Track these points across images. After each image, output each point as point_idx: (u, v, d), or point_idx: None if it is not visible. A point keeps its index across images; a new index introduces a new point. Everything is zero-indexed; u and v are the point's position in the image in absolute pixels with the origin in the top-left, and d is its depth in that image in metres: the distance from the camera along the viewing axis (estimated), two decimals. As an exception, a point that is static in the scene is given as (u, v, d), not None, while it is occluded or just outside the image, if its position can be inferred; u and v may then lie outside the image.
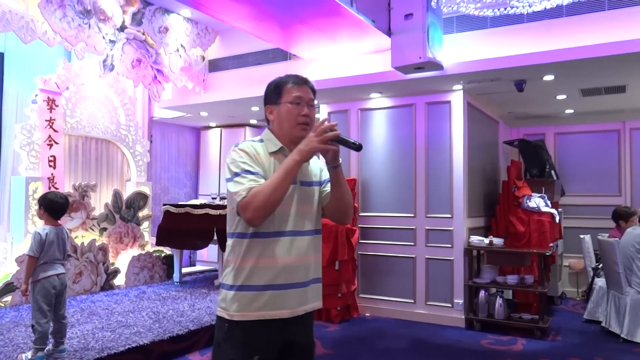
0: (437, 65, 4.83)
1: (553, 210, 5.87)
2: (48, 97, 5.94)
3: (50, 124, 5.96)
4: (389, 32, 4.91)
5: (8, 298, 5.29)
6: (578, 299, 6.81)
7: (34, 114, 5.90)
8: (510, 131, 7.67)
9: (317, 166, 2.01)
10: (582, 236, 6.10)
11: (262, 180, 1.77)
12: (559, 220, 6.07)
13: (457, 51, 5.14)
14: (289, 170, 1.74)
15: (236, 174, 1.79)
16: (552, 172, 6.69)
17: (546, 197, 6.02)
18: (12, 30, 5.06)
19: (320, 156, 1.95)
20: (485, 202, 6.32)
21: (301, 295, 1.87)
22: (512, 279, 5.28)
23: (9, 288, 5.27)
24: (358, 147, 1.84)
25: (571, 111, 6.70)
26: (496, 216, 6.19)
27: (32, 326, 3.58)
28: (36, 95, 5.92)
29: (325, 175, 2.00)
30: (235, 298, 1.80)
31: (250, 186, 1.74)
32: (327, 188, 1.98)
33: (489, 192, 6.46)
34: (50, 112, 5.96)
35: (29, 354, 3.56)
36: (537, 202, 5.92)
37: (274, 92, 1.91)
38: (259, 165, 1.82)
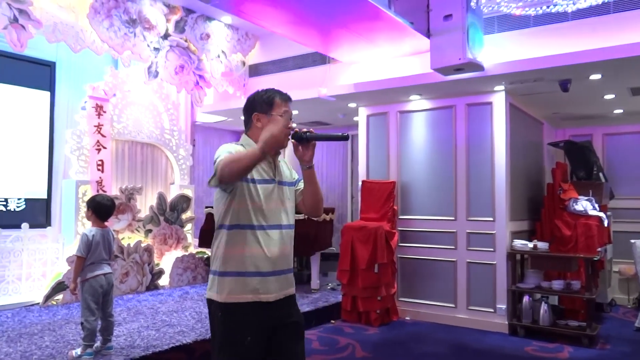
0: (477, 66, 4.76)
1: (601, 214, 5.67)
2: (96, 104, 6.17)
3: (99, 130, 6.19)
4: (428, 34, 4.88)
5: (60, 296, 5.52)
6: (629, 306, 6.53)
7: (83, 120, 6.14)
8: (555, 132, 7.46)
9: (287, 169, 2.29)
10: (632, 241, 5.84)
11: None
12: (608, 224, 5.85)
13: (498, 51, 5.05)
14: (252, 152, 1.94)
15: (219, 157, 2.00)
16: (600, 174, 6.46)
17: (594, 200, 5.82)
18: (63, 40, 5.30)
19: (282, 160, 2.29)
20: (529, 205, 6.16)
21: (281, 282, 2.12)
22: (557, 284, 5.13)
23: (60, 287, 5.50)
24: (344, 138, 2.14)
25: (620, 111, 6.45)
26: (541, 220, 6.02)
27: (81, 323, 3.73)
28: (85, 102, 6.16)
29: (296, 176, 2.32)
30: (227, 283, 2.02)
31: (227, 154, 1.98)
32: (300, 187, 2.28)
33: (533, 195, 6.30)
34: (99, 118, 6.20)
35: (79, 350, 3.71)
36: (584, 205, 5.73)
37: (266, 103, 2.16)
38: None
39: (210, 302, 2.09)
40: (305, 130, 2.14)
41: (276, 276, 2.09)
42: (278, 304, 2.09)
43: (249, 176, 2.04)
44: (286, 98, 2.21)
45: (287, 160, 2.37)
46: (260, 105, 2.16)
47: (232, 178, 1.95)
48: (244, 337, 2.00)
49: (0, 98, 5.88)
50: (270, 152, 1.99)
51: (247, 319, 2.02)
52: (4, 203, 5.89)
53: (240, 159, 1.92)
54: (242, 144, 2.14)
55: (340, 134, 2.14)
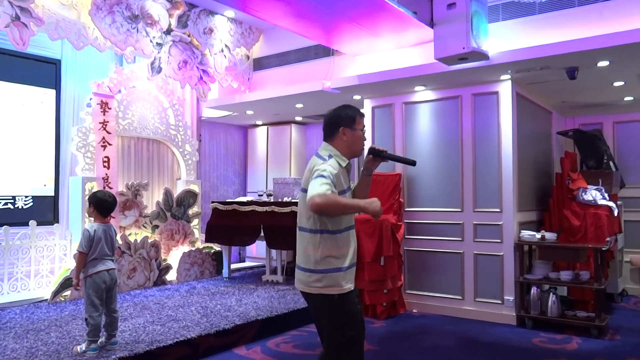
0: (482, 55, 4.69)
1: (611, 203, 5.58)
2: (101, 101, 6.19)
3: (104, 126, 6.21)
4: (431, 23, 4.80)
5: (67, 293, 5.57)
6: (641, 296, 6.45)
7: (88, 117, 6.17)
8: (564, 121, 7.35)
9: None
10: (643, 230, 5.77)
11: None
12: (618, 213, 5.76)
13: (503, 40, 4.97)
14: (355, 207, 2.39)
15: (324, 177, 2.34)
16: (611, 163, 6.35)
17: (603, 190, 5.73)
18: (66, 37, 5.31)
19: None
20: (537, 195, 6.09)
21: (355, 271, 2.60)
22: (566, 275, 5.07)
23: (68, 283, 5.54)
24: (413, 163, 2.77)
25: (631, 98, 6.33)
26: (549, 210, 5.95)
27: (86, 319, 3.75)
28: (90, 99, 6.18)
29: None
30: (344, 275, 2.46)
31: (331, 190, 2.31)
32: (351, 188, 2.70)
33: (541, 185, 6.22)
34: (104, 114, 6.21)
35: (84, 346, 3.73)
36: (593, 194, 5.65)
37: (350, 120, 2.55)
38: (337, 179, 2.43)
39: (328, 296, 2.44)
40: (381, 149, 2.63)
41: (355, 267, 2.58)
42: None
43: (341, 188, 2.45)
44: (363, 115, 2.65)
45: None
46: (346, 121, 2.54)
47: (330, 215, 2.40)
48: (358, 314, 2.50)
49: (7, 96, 5.91)
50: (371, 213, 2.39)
51: (355, 301, 2.52)
52: (12, 201, 5.94)
53: (345, 207, 2.37)
54: (331, 155, 2.50)
55: (411, 159, 2.76)
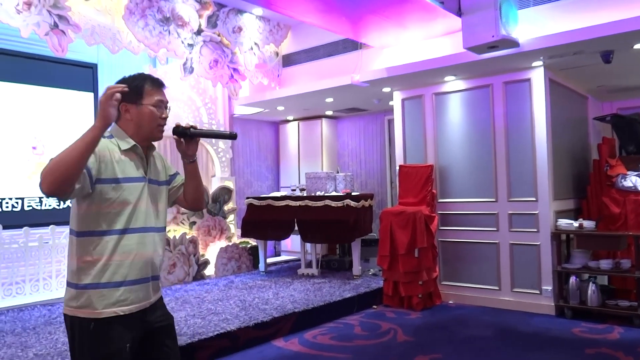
0: (512, 43, 4.63)
1: (652, 189, 5.42)
2: (137, 102, 6.35)
3: (140, 127, 6.37)
4: (459, 13, 4.76)
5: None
6: (686, 284, 6.24)
7: (125, 118, 6.33)
8: (601, 106, 7.16)
9: (162, 166, 2.11)
10: (687, 216, 5.57)
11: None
12: (660, 199, 5.59)
13: (534, 25, 4.89)
14: (81, 142, 1.71)
15: None
16: (652, 147, 6.16)
17: (644, 175, 5.57)
18: (101, 42, 5.48)
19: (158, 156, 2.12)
20: (574, 183, 5.97)
21: (147, 290, 1.94)
22: (605, 263, 4.97)
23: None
24: (232, 136, 2.15)
25: (671, 80, 6.13)
26: (587, 198, 5.82)
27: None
28: (127, 101, 6.35)
29: (170, 172, 2.15)
30: (99, 295, 1.82)
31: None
32: (177, 183, 2.16)
33: (578, 172, 6.09)
34: (140, 115, 6.37)
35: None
36: (633, 180, 5.50)
37: (133, 92, 1.91)
38: (104, 163, 1.84)
39: (75, 319, 1.85)
40: (189, 125, 2.07)
41: (142, 284, 1.92)
42: (146, 311, 1.95)
43: (111, 175, 1.84)
44: (159, 84, 1.99)
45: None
46: (127, 95, 1.86)
47: (63, 186, 1.68)
48: (125, 346, 1.86)
49: (47, 101, 6.15)
50: (100, 129, 1.73)
51: (122, 331, 1.85)
52: (38, 203, 6.13)
53: (69, 153, 1.68)
54: (112, 135, 1.94)
55: (228, 132, 2.11)
